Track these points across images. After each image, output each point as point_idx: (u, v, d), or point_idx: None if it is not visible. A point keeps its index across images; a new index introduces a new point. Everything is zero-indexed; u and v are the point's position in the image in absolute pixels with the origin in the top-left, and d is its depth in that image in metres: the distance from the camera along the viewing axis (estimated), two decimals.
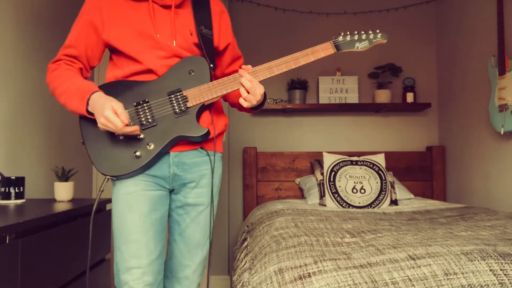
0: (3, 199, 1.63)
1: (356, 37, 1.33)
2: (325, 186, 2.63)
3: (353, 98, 3.07)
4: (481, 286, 1.08)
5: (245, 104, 1.30)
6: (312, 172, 3.06)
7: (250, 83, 1.28)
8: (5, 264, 1.10)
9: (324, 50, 1.32)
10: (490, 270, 1.12)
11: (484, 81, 2.60)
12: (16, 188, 1.65)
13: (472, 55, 2.76)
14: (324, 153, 2.80)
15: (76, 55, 1.32)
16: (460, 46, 2.91)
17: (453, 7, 3.01)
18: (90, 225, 1.27)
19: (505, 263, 1.13)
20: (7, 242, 1.12)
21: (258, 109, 1.41)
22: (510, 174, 2.38)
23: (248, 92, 1.28)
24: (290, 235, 1.59)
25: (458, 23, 2.95)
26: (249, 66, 1.31)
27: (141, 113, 1.27)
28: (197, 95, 1.29)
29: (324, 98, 3.07)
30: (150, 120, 1.27)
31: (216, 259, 3.11)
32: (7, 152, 1.83)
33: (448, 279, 1.09)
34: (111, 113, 1.15)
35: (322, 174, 2.75)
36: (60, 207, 1.55)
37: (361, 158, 2.78)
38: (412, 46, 3.25)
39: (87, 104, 1.22)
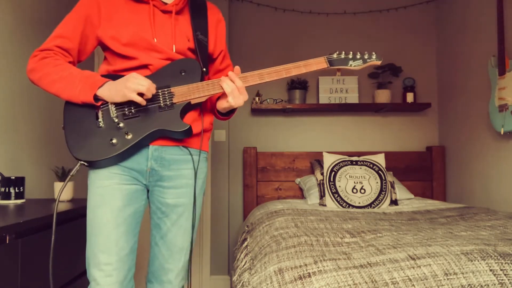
0: (3, 199, 1.63)
1: (350, 55, 1.35)
2: (325, 186, 2.63)
3: (353, 98, 3.07)
4: (481, 286, 1.08)
5: (232, 102, 1.28)
6: (312, 172, 3.06)
7: (233, 90, 1.26)
8: (5, 264, 1.10)
9: (317, 63, 1.34)
10: (490, 270, 1.12)
11: (484, 81, 2.60)
12: (16, 188, 1.65)
13: (472, 55, 2.76)
14: (324, 153, 2.80)
15: (69, 48, 1.30)
16: (460, 46, 2.91)
17: (453, 7, 3.01)
18: (54, 218, 1.26)
19: (505, 263, 1.13)
20: (7, 242, 1.12)
21: (230, 116, 1.43)
22: (510, 174, 2.38)
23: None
24: (290, 235, 1.59)
25: (458, 23, 2.95)
26: (238, 68, 1.29)
27: (125, 103, 1.26)
28: (184, 92, 1.28)
29: (324, 98, 3.07)
30: (133, 111, 1.25)
31: (216, 259, 3.11)
32: (7, 152, 1.83)
33: (448, 279, 1.09)
34: (137, 79, 1.18)
35: (322, 174, 2.75)
36: (60, 207, 1.55)
37: (361, 158, 2.78)
38: (412, 46, 3.25)
39: (98, 90, 1.22)
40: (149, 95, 1.21)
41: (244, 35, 3.23)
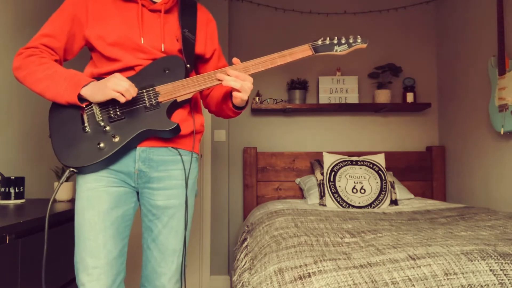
0: (3, 199, 1.63)
1: (335, 41, 1.32)
2: (325, 186, 2.63)
3: (353, 98, 3.07)
4: (481, 286, 1.08)
5: (240, 95, 1.25)
6: (312, 172, 3.06)
7: (237, 79, 1.23)
8: (5, 264, 1.10)
9: (302, 51, 1.30)
10: (490, 270, 1.12)
11: (484, 81, 2.60)
12: (16, 188, 1.65)
13: (472, 55, 2.76)
14: (324, 153, 2.80)
15: (55, 47, 1.29)
16: (460, 46, 2.91)
17: (453, 7, 3.01)
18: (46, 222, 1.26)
19: (505, 263, 1.13)
20: (7, 242, 1.12)
21: (243, 109, 1.39)
22: (510, 174, 2.38)
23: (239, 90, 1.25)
24: (290, 235, 1.59)
25: (458, 23, 2.95)
26: (237, 59, 1.28)
27: (110, 105, 1.24)
28: (169, 91, 1.26)
29: (324, 98, 3.07)
30: (118, 113, 1.24)
31: (216, 259, 3.11)
32: (7, 152, 1.83)
33: (448, 279, 1.09)
34: (118, 79, 1.16)
35: (322, 174, 2.75)
36: (60, 207, 1.55)
37: (361, 158, 2.78)
38: (412, 46, 3.25)
39: (81, 89, 1.20)
40: (128, 97, 1.18)
41: (244, 35, 3.23)
